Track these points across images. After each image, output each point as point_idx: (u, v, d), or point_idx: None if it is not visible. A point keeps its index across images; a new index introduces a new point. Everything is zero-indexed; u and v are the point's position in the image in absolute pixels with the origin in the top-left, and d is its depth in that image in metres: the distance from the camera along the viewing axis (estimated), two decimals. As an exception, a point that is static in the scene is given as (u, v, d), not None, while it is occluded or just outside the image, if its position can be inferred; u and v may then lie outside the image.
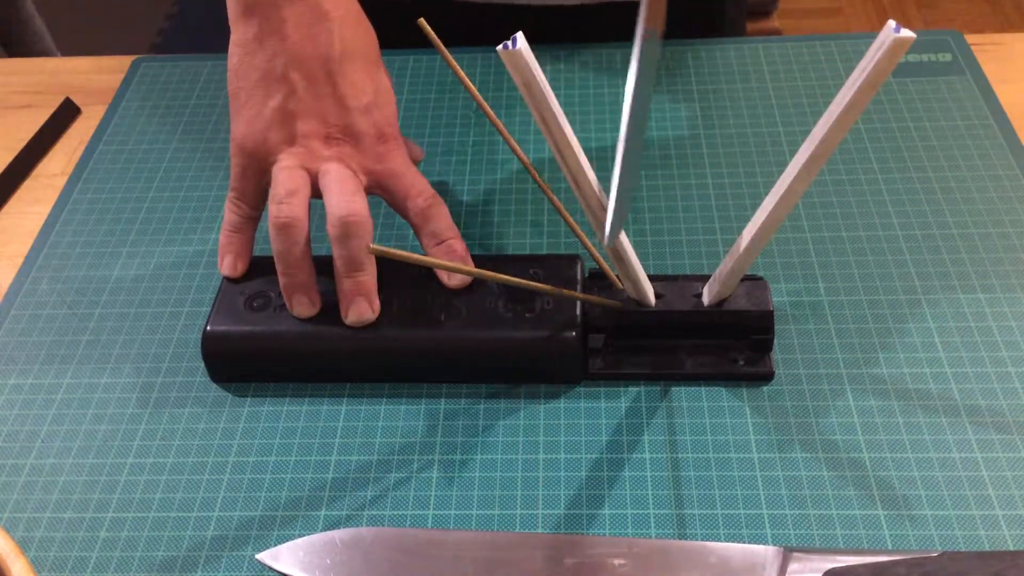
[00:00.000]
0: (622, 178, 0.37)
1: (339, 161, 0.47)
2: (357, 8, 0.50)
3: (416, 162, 0.55)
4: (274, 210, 0.45)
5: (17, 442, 0.46)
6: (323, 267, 0.46)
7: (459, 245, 0.48)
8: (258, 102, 0.47)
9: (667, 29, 0.39)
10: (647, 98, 0.38)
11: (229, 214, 0.49)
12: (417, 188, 0.48)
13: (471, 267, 0.47)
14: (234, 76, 0.48)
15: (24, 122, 0.65)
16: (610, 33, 0.67)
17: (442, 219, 0.48)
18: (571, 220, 0.46)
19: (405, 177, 0.48)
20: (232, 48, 0.49)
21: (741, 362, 0.46)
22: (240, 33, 0.48)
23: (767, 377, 0.46)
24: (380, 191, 0.48)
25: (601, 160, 0.58)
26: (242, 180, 0.48)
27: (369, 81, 0.48)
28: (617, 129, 0.60)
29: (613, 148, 0.59)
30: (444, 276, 0.47)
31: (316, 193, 0.47)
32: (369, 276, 0.45)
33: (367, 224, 0.45)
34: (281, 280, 0.46)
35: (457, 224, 0.49)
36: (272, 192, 0.46)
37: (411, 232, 0.54)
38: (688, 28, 0.67)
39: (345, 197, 0.45)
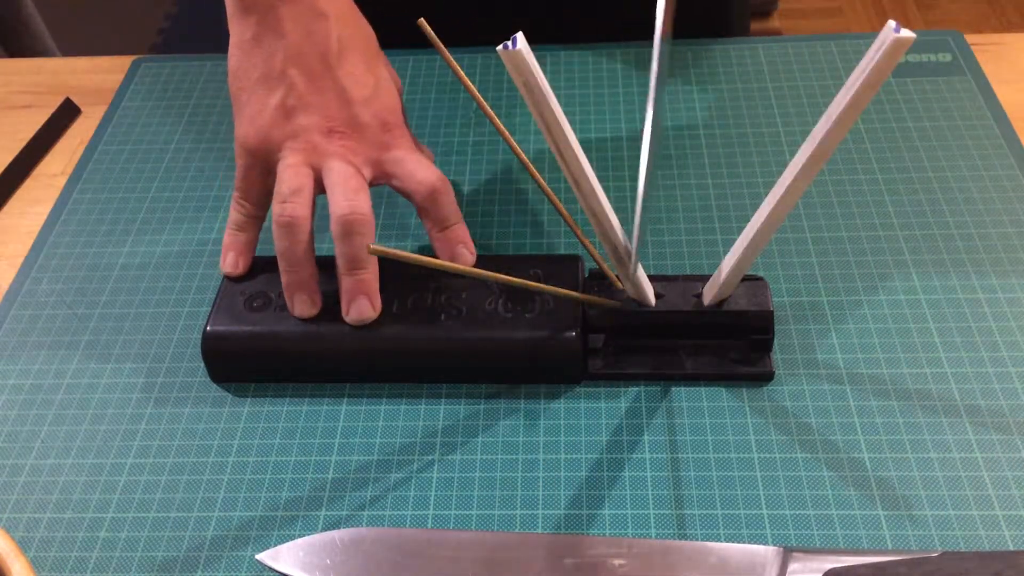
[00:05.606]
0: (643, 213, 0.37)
1: (342, 156, 0.47)
2: (353, 7, 0.51)
3: None
4: (277, 209, 0.45)
5: (17, 442, 0.46)
6: (325, 267, 0.46)
7: (462, 230, 0.48)
8: (259, 100, 0.47)
9: (675, 30, 0.39)
10: (662, 112, 0.38)
11: (233, 213, 0.49)
12: (422, 172, 0.48)
13: (471, 267, 0.47)
14: (234, 77, 0.49)
15: (24, 122, 0.65)
16: (612, 33, 0.67)
17: (446, 204, 0.48)
18: (571, 220, 0.46)
19: (409, 162, 0.48)
20: (231, 50, 0.49)
21: (741, 362, 0.46)
22: (238, 35, 0.49)
23: (767, 377, 0.46)
24: (386, 180, 0.48)
25: (601, 160, 0.58)
26: (246, 179, 0.48)
27: (368, 73, 0.49)
28: (618, 129, 0.60)
29: (613, 148, 0.59)
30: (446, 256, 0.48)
31: (321, 189, 0.47)
32: (371, 274, 0.46)
33: (369, 222, 0.45)
34: (283, 278, 0.46)
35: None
36: (276, 191, 0.46)
37: (411, 231, 0.54)
38: (694, 29, 0.67)
39: (348, 195, 0.45)
